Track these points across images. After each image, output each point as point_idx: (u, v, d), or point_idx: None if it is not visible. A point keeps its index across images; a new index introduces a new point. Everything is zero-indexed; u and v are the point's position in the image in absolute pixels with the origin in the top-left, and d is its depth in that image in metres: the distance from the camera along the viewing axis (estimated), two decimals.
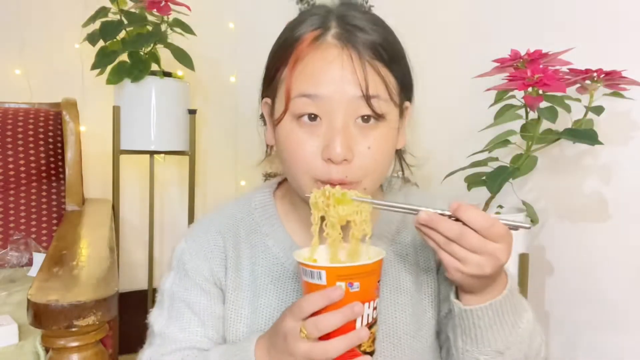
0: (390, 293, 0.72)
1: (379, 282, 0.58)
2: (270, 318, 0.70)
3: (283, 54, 0.64)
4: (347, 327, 0.55)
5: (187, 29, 1.57)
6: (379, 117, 0.62)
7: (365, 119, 0.63)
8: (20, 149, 1.47)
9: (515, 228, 0.57)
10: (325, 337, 0.55)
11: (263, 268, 0.72)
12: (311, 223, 0.62)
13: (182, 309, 0.71)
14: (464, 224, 0.56)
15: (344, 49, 0.60)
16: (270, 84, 0.67)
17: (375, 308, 0.58)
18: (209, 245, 0.73)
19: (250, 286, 0.71)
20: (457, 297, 0.63)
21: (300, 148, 0.62)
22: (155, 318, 0.74)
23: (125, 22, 1.51)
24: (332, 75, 0.60)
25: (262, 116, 0.73)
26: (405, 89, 0.68)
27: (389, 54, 0.63)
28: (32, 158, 1.48)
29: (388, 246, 0.73)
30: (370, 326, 0.57)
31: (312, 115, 0.62)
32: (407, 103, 0.70)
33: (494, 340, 0.62)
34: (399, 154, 0.75)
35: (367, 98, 0.60)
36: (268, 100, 0.69)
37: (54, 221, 1.48)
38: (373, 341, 0.58)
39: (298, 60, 0.61)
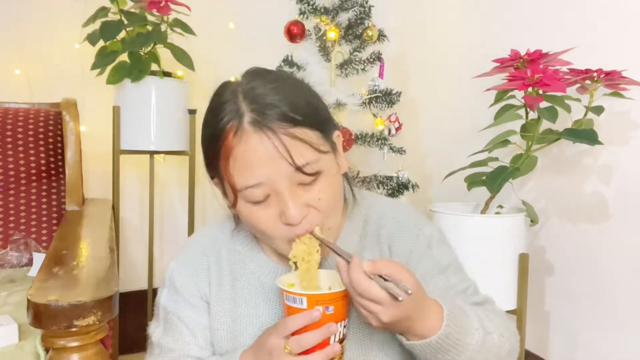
0: None
1: (348, 304, 0.67)
2: (249, 325, 0.78)
3: (213, 147, 0.70)
4: (323, 343, 0.65)
5: (187, 29, 1.57)
6: (316, 174, 0.68)
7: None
8: (20, 149, 1.47)
9: (395, 297, 0.60)
10: (305, 352, 0.65)
11: (242, 283, 0.81)
12: None
13: (175, 322, 0.79)
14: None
15: (262, 132, 0.65)
16: (212, 168, 0.73)
17: (345, 326, 0.68)
18: (194, 265, 0.81)
19: (231, 299, 0.80)
20: None
21: (261, 222, 0.70)
22: (153, 329, 0.82)
23: (125, 22, 1.51)
24: (261, 161, 0.66)
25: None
26: (327, 128, 0.72)
27: (300, 114, 0.67)
28: (32, 158, 1.48)
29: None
30: (341, 341, 0.67)
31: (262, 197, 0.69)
32: (336, 132, 0.75)
33: None
34: (345, 176, 0.80)
35: (299, 169, 0.66)
36: (217, 181, 0.75)
37: (54, 221, 1.48)
38: (342, 353, 0.69)
39: (228, 157, 0.67)
